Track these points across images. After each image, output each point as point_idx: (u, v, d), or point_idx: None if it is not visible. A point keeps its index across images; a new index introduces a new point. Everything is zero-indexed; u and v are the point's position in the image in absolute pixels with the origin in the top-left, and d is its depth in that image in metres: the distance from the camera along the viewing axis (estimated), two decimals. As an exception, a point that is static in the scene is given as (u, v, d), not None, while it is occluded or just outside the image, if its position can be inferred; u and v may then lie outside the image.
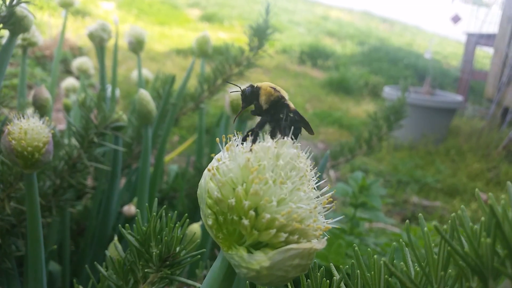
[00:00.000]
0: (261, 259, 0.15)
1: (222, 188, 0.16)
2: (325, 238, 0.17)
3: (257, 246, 0.16)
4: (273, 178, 0.16)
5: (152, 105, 0.48)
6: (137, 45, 0.84)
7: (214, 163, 0.18)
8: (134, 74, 1.02)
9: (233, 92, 0.54)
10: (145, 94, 0.47)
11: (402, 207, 2.12)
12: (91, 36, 0.76)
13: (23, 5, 0.52)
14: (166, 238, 0.29)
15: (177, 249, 0.30)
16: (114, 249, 0.33)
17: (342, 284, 0.23)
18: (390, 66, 5.00)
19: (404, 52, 5.78)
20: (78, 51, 3.28)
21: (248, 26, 0.73)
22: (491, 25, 3.63)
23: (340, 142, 0.84)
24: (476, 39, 3.92)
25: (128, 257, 0.32)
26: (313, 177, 0.18)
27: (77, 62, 1.05)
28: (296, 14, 7.85)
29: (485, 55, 4.57)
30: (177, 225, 0.30)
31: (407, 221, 0.26)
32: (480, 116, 3.87)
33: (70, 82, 1.17)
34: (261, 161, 0.16)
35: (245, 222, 0.15)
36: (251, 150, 0.17)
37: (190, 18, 6.59)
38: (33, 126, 0.33)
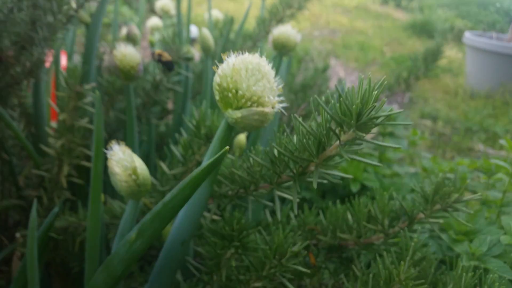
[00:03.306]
0: (237, 113, 0.32)
1: (221, 78, 0.33)
2: (275, 109, 0.33)
3: (237, 108, 0.32)
4: (245, 74, 0.32)
5: (211, 41, 0.64)
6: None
7: (219, 68, 0.34)
8: (206, 15, 1.18)
9: (277, 30, 0.68)
10: (205, 32, 0.63)
11: (466, 154, 2.13)
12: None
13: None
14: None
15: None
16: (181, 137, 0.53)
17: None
18: (480, 10, 4.60)
19: (498, -7, 5.23)
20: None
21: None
22: None
23: (379, 80, 0.95)
24: None
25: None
26: (274, 76, 0.34)
27: (159, 3, 1.23)
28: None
29: None
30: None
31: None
32: None
33: (154, 21, 1.38)
34: (240, 65, 0.32)
35: (230, 95, 0.32)
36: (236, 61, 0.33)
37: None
38: (130, 51, 0.51)
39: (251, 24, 1.15)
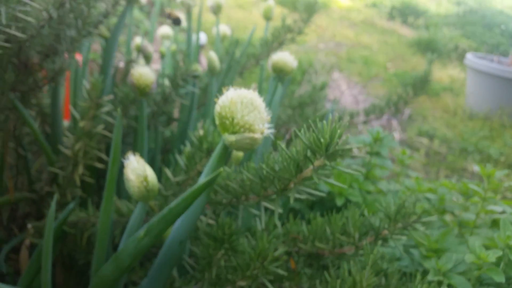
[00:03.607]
0: (232, 137, 0.39)
1: (221, 108, 0.40)
2: (264, 135, 0.40)
3: (233, 133, 0.40)
4: (240, 106, 0.39)
5: (217, 63, 0.72)
6: (216, 9, 1.08)
7: (220, 99, 0.41)
8: (215, 30, 1.25)
9: (276, 55, 0.75)
10: (212, 55, 0.71)
11: (460, 174, 2.20)
12: (182, 3, 1.01)
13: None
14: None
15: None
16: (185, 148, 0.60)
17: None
18: (485, 30, 4.68)
19: (504, 17, 5.32)
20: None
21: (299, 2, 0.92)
22: None
23: (372, 102, 1.02)
24: None
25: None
26: (265, 109, 0.41)
27: (161, 30, 1.31)
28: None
29: None
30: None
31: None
32: None
33: (164, 30, 1.46)
34: (236, 99, 0.39)
35: (227, 122, 0.39)
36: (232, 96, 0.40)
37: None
38: (146, 72, 0.59)
39: (255, 37, 1.22)
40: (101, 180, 0.92)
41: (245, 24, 4.02)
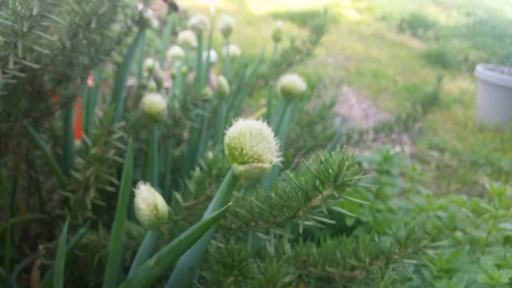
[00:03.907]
0: (241, 167, 0.40)
1: (230, 139, 0.41)
2: (272, 164, 0.41)
3: (242, 163, 0.40)
4: (249, 137, 0.40)
5: (226, 87, 0.73)
6: (226, 31, 1.09)
7: (229, 129, 0.42)
8: (224, 50, 1.27)
9: (285, 78, 0.76)
10: (222, 79, 0.72)
11: (471, 187, 2.17)
12: (193, 27, 1.03)
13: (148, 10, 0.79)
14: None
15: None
16: (195, 173, 0.60)
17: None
18: (495, 41, 4.66)
19: (515, 27, 5.29)
20: (183, 14, 3.65)
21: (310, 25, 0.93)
22: None
23: (380, 119, 1.02)
24: None
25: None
26: (274, 139, 0.42)
27: (182, 36, 1.33)
28: (401, -21, 7.47)
29: None
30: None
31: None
32: None
33: (175, 50, 1.48)
34: (245, 130, 0.40)
35: (236, 153, 0.40)
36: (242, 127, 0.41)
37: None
38: (157, 99, 0.60)
39: (266, 54, 1.24)
40: (112, 200, 0.94)
41: (254, 40, 4.06)
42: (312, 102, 3.00)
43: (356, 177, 0.36)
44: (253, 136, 0.40)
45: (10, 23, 0.53)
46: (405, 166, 0.96)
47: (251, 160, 0.39)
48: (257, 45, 3.92)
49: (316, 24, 0.91)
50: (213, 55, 2.61)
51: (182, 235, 0.38)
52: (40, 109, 0.78)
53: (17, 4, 0.53)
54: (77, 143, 0.98)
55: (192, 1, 4.98)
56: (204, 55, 1.08)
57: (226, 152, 0.41)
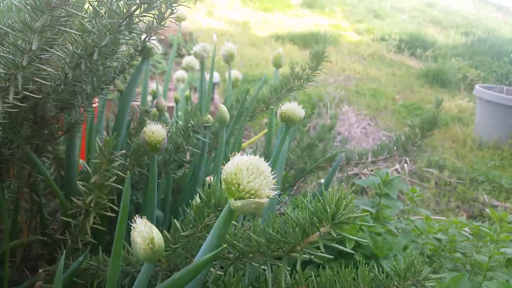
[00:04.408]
0: (238, 203, 0.40)
1: (227, 175, 0.41)
2: (268, 199, 0.41)
3: (239, 198, 0.41)
4: (246, 173, 0.40)
5: (227, 115, 0.74)
6: (228, 57, 1.11)
7: (226, 165, 0.43)
8: (227, 74, 1.28)
9: (284, 106, 0.77)
10: (223, 108, 0.73)
11: (471, 205, 2.17)
12: (195, 54, 1.05)
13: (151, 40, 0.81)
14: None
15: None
16: (194, 201, 0.61)
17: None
18: (494, 60, 4.71)
19: (514, 46, 5.35)
20: (189, 36, 3.70)
21: (310, 52, 0.95)
22: None
23: (380, 143, 1.03)
24: None
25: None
26: (272, 174, 0.42)
27: (186, 60, 1.35)
28: (401, 0, 7.60)
29: None
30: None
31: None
32: None
33: (180, 73, 1.50)
34: (242, 165, 0.41)
35: (233, 188, 0.40)
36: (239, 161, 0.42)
37: (292, 4, 6.79)
38: (157, 129, 0.61)
39: (268, 75, 1.26)
40: (113, 222, 0.94)
41: (257, 61, 4.11)
42: (313, 120, 3.02)
43: (354, 215, 0.36)
44: (250, 171, 0.40)
45: (10, 56, 0.55)
46: (405, 188, 0.96)
47: (247, 195, 0.40)
48: (260, 66, 3.97)
49: (316, 51, 0.92)
50: (216, 76, 2.64)
51: (177, 275, 0.38)
52: (42, 135, 0.79)
53: (17, 39, 0.54)
54: (81, 161, 0.99)
55: (197, 24, 5.05)
56: (208, 76, 1.10)
57: (224, 186, 0.42)
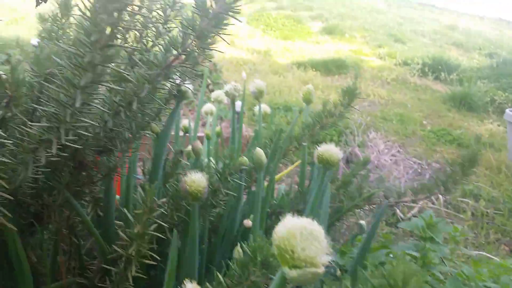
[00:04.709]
0: (293, 273, 0.38)
1: (279, 240, 0.40)
2: (324, 268, 0.39)
3: (293, 266, 0.39)
4: (300, 238, 0.39)
5: (263, 157, 0.73)
6: (258, 94, 1.11)
7: (277, 228, 0.41)
8: (256, 108, 1.28)
9: (322, 147, 0.76)
10: (259, 151, 0.73)
11: (512, 237, 2.07)
12: (227, 93, 1.06)
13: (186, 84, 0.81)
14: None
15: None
16: (237, 253, 0.59)
17: None
18: (522, 82, 4.60)
19: (540, 66, 5.23)
20: (213, 67, 3.75)
21: (341, 91, 0.94)
22: None
23: (420, 183, 1.00)
24: None
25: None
26: (324, 237, 0.40)
27: (214, 94, 1.36)
28: (421, 23, 7.57)
29: None
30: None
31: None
32: None
33: (208, 107, 1.51)
34: (294, 230, 0.39)
35: (287, 256, 0.39)
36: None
37: (312, 31, 6.85)
38: (198, 178, 0.60)
39: (293, 102, 1.25)
40: (151, 269, 0.93)
41: (280, 89, 4.13)
42: (341, 148, 2.97)
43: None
44: (304, 237, 0.39)
45: (53, 110, 0.55)
46: (449, 230, 0.92)
47: (303, 264, 0.38)
48: (283, 93, 3.98)
49: (348, 88, 0.91)
50: (238, 104, 2.65)
51: None
52: (81, 180, 0.80)
53: (60, 95, 0.55)
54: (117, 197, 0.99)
55: (220, 55, 5.14)
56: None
57: (276, 252, 0.40)
